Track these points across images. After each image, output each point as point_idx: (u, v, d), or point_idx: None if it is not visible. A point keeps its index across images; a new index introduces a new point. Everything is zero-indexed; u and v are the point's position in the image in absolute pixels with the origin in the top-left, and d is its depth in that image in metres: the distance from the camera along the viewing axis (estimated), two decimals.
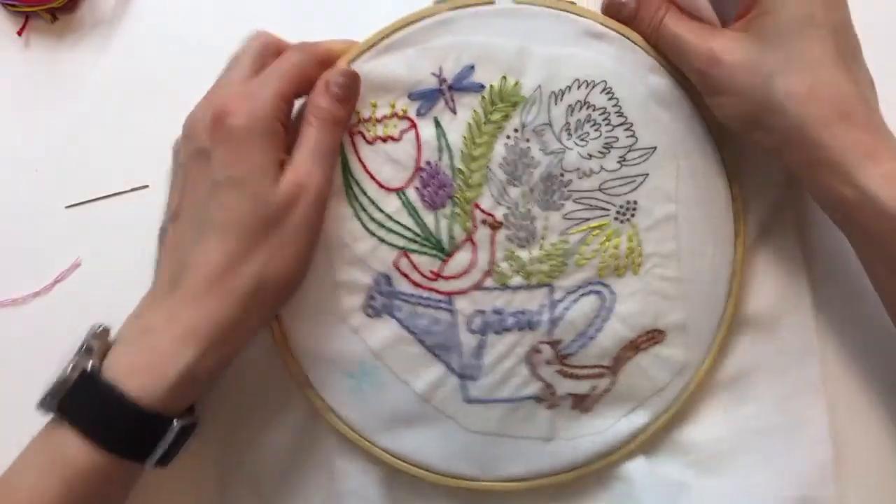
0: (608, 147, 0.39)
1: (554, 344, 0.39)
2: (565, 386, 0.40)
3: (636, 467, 0.40)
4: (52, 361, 0.39)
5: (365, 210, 0.38)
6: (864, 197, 0.34)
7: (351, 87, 0.37)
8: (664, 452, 0.41)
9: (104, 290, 0.42)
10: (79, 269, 0.42)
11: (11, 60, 0.44)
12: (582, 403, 0.40)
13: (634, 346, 0.40)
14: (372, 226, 0.38)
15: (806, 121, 0.34)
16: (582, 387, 0.40)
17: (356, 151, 0.38)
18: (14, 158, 0.43)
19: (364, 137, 0.38)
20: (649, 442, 0.40)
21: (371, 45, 0.38)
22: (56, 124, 0.43)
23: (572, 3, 0.39)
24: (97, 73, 0.44)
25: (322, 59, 0.38)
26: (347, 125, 0.38)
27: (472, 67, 0.38)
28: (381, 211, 0.38)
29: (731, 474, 0.40)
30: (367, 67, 0.38)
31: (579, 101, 0.39)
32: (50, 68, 0.44)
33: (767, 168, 0.41)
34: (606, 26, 0.39)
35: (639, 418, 0.40)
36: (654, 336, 0.40)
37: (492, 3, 0.38)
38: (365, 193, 0.38)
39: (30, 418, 0.39)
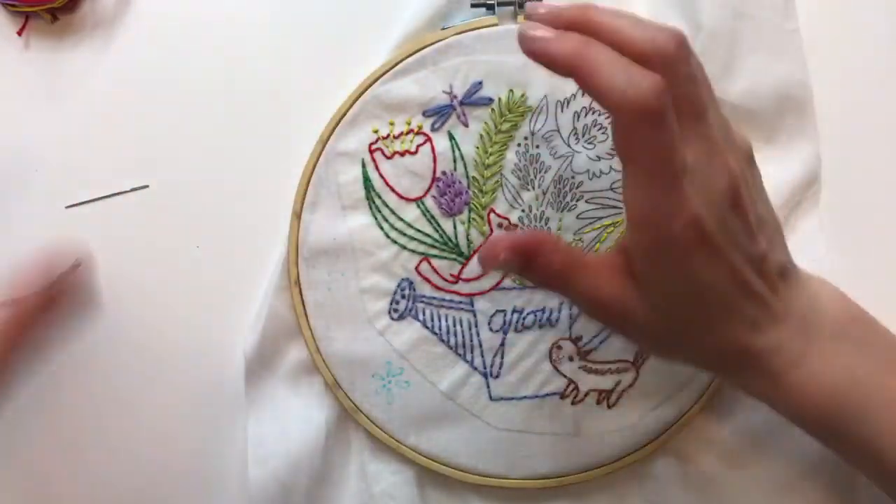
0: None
1: (575, 340, 0.40)
2: (588, 381, 0.40)
3: (666, 464, 0.40)
4: (51, 360, 0.40)
5: (387, 220, 0.41)
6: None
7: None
8: (694, 447, 0.40)
9: (104, 290, 0.41)
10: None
11: (11, 60, 0.44)
12: (607, 399, 0.40)
13: None
14: (393, 234, 0.41)
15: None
16: (605, 382, 0.40)
17: (377, 167, 0.41)
18: (14, 158, 0.43)
19: (384, 153, 0.41)
20: (678, 437, 0.40)
21: (387, 70, 0.41)
22: (56, 124, 0.43)
23: None
24: (97, 73, 0.44)
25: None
26: None
27: (481, 83, 0.41)
28: (402, 220, 0.41)
29: (760, 465, 0.40)
30: (383, 89, 0.41)
31: (584, 107, 0.41)
32: (50, 68, 0.44)
33: (780, 164, 0.42)
34: None
35: (666, 412, 0.40)
36: None
37: (496, 24, 0.41)
38: (386, 205, 0.41)
39: (29, 418, 0.41)
